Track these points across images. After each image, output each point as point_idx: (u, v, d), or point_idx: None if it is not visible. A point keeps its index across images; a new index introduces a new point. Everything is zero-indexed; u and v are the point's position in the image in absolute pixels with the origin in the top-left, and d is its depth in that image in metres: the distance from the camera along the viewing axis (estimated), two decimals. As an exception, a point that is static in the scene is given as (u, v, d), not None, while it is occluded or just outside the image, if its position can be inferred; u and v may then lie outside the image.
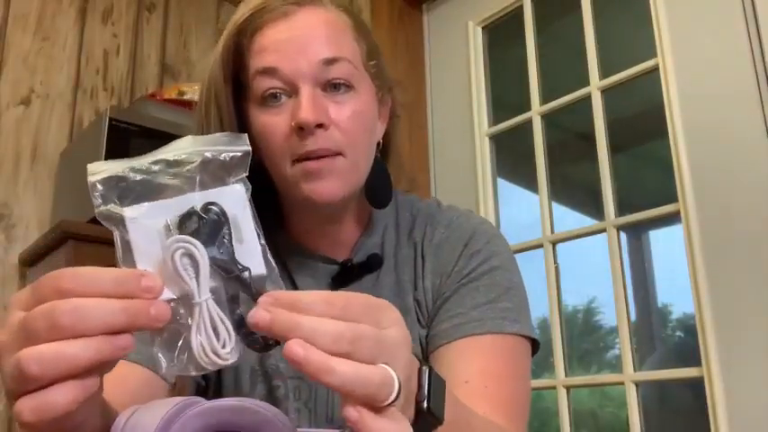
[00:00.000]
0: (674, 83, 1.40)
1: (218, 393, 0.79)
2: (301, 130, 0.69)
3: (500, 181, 1.78)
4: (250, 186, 0.47)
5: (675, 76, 1.40)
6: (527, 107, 1.70)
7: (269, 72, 0.72)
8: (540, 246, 1.59)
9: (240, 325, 0.44)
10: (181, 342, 0.44)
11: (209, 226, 0.44)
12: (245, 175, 0.47)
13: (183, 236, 0.43)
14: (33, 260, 1.67)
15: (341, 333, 0.40)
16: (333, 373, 0.39)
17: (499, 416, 0.67)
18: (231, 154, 0.47)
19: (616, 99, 1.57)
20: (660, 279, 1.99)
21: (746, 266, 1.23)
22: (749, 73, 1.28)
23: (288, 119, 0.71)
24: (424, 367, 0.48)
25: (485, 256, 0.78)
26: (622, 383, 1.38)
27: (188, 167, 0.46)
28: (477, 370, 0.69)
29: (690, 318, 1.33)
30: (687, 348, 1.42)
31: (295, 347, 0.39)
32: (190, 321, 0.43)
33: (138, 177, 0.45)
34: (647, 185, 1.97)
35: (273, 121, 0.72)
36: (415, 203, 0.85)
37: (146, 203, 0.45)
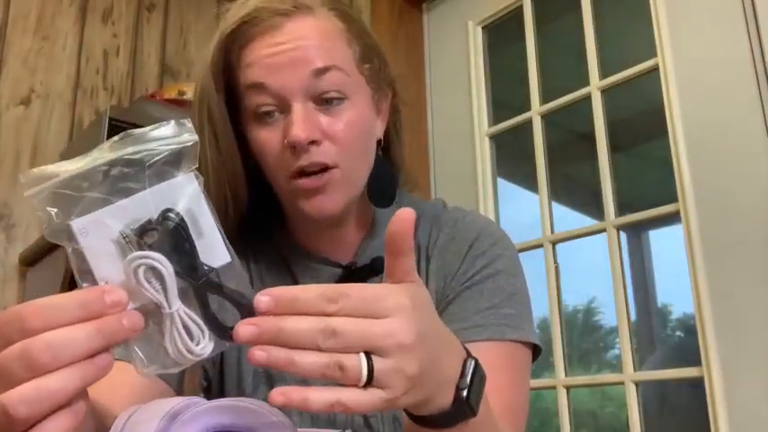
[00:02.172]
0: (674, 83, 1.40)
1: (221, 395, 0.78)
2: (294, 147, 0.69)
3: (500, 181, 1.78)
4: (202, 178, 0.45)
5: (675, 75, 1.40)
6: (527, 107, 1.70)
7: (258, 87, 0.71)
8: (540, 246, 1.59)
9: (212, 319, 0.45)
10: (155, 343, 0.44)
11: (168, 235, 0.43)
12: (194, 166, 0.45)
13: (144, 252, 0.42)
14: (33, 260, 1.67)
15: (319, 330, 0.42)
16: (295, 364, 0.41)
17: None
18: (179, 146, 0.44)
19: (616, 99, 1.57)
20: (660, 279, 1.99)
21: (746, 266, 1.23)
22: (749, 73, 1.28)
23: (281, 136, 0.70)
24: (470, 359, 0.50)
25: (489, 259, 0.77)
26: (622, 383, 1.38)
27: (135, 166, 0.43)
28: None
29: (690, 318, 1.33)
30: (687, 348, 1.42)
31: (257, 353, 0.41)
32: (162, 326, 0.43)
33: (82, 183, 0.42)
34: (647, 185, 1.96)
35: (267, 138, 0.72)
36: (420, 204, 0.83)
37: (96, 211, 0.42)
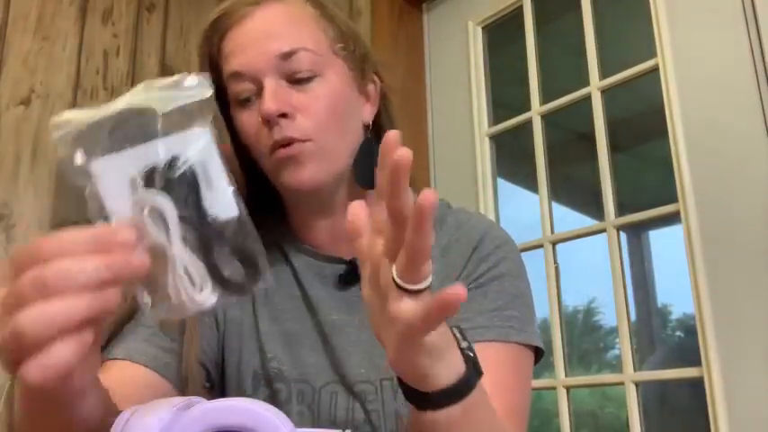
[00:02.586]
0: (674, 83, 1.40)
1: (222, 394, 0.79)
2: (268, 122, 0.72)
3: (500, 181, 1.78)
4: (215, 131, 0.47)
5: (675, 76, 1.40)
6: (527, 107, 1.70)
7: (236, 76, 0.74)
8: (540, 246, 1.59)
9: (216, 271, 0.45)
10: (160, 290, 0.45)
11: (177, 178, 0.45)
12: (209, 119, 0.47)
13: (151, 193, 0.44)
14: (33, 260, 1.67)
15: None
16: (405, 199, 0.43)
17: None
18: (195, 99, 0.46)
19: (616, 99, 1.57)
20: (660, 279, 1.99)
21: (746, 266, 1.23)
22: (749, 73, 1.28)
23: (257, 114, 0.73)
24: (453, 327, 0.53)
25: (494, 262, 0.77)
26: (622, 383, 1.38)
27: (152, 115, 0.45)
28: None
29: (690, 318, 1.33)
30: (687, 348, 1.42)
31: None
32: (167, 270, 0.44)
33: (103, 129, 0.45)
34: (647, 185, 1.96)
35: (247, 119, 0.75)
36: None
37: (112, 155, 0.45)
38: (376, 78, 0.83)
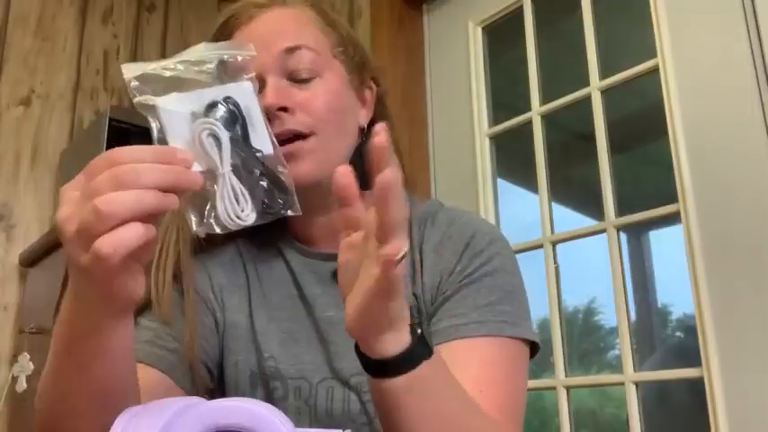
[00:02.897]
0: (674, 83, 1.40)
1: (221, 395, 0.79)
2: (268, 116, 0.72)
3: (500, 181, 1.78)
4: (257, 84, 0.57)
5: (675, 76, 1.40)
6: (527, 107, 1.70)
7: None
8: (540, 246, 1.59)
9: (256, 193, 0.55)
10: (208, 207, 0.54)
11: (228, 113, 0.54)
12: (253, 74, 0.57)
13: (209, 119, 0.53)
14: (33, 260, 1.67)
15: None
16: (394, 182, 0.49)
17: (494, 418, 0.67)
18: (241, 57, 0.57)
19: (616, 99, 1.57)
20: (660, 279, 1.99)
21: (746, 266, 1.23)
22: (749, 73, 1.28)
23: None
24: (411, 304, 0.58)
25: (487, 257, 0.78)
26: (622, 383, 1.38)
27: (207, 66, 0.56)
28: (473, 373, 0.69)
29: (690, 318, 1.33)
30: (687, 348, 1.42)
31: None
32: (215, 188, 0.53)
33: (167, 74, 0.55)
34: (647, 185, 1.97)
35: None
36: (415, 203, 0.85)
37: (174, 94, 0.54)
38: (372, 84, 0.86)
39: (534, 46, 1.72)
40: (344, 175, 0.53)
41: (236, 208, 0.53)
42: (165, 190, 0.49)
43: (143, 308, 0.76)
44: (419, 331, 0.56)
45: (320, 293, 0.80)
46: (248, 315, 0.81)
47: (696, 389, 1.26)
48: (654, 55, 1.45)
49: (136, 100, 0.53)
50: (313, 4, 0.84)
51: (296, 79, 0.77)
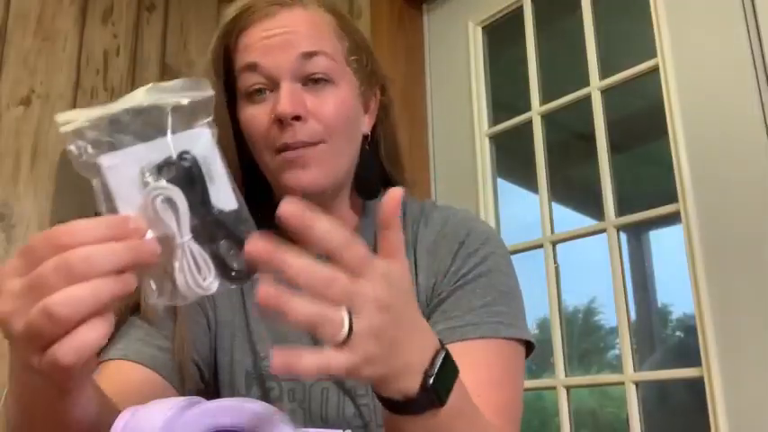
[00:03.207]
0: (674, 83, 1.40)
1: (216, 395, 0.79)
2: (280, 122, 0.73)
3: (500, 181, 1.78)
4: (216, 129, 0.50)
5: (675, 75, 1.40)
6: (527, 107, 1.70)
7: (251, 68, 0.76)
8: (540, 246, 1.59)
9: (218, 258, 0.49)
10: (166, 277, 0.48)
11: (184, 172, 0.48)
12: (210, 118, 0.50)
13: (162, 182, 0.47)
14: (33, 260, 1.67)
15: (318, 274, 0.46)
16: (291, 308, 0.44)
17: (492, 421, 0.67)
18: (196, 99, 0.49)
19: (616, 99, 1.57)
20: (660, 279, 2.00)
21: (746, 266, 1.23)
22: (749, 73, 1.28)
23: (269, 111, 0.75)
24: (442, 350, 0.53)
25: (481, 257, 0.78)
26: (622, 383, 1.38)
27: (157, 114, 0.48)
28: (471, 376, 0.69)
29: (690, 318, 1.33)
30: (687, 348, 1.42)
31: (264, 288, 0.44)
32: (173, 258, 0.47)
33: (110, 126, 0.48)
34: (647, 185, 1.97)
35: (256, 113, 0.76)
36: (408, 202, 0.86)
37: (120, 151, 0.47)
38: (378, 92, 0.86)
39: (534, 46, 1.72)
40: (395, 199, 0.51)
41: (198, 278, 0.47)
42: (122, 270, 0.44)
43: (136, 307, 0.75)
44: (431, 380, 0.52)
45: None
46: (243, 314, 0.80)
47: (696, 389, 1.26)
48: (654, 55, 1.45)
49: (76, 161, 0.47)
50: (332, 8, 0.83)
51: (309, 83, 0.76)
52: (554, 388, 1.50)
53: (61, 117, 0.48)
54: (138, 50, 1.92)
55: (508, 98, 1.86)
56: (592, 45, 1.58)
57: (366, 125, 0.83)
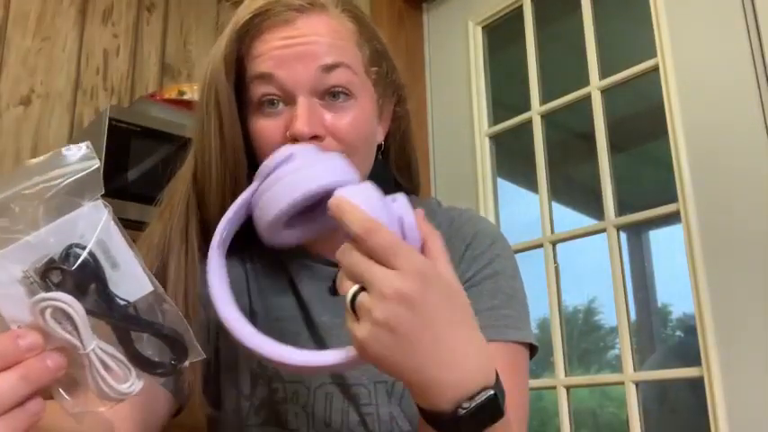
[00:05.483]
0: (674, 83, 1.40)
1: (217, 397, 0.78)
2: (296, 140, 0.68)
3: (500, 181, 1.78)
4: (110, 206, 0.43)
5: (675, 76, 1.40)
6: (527, 107, 1.70)
7: (265, 78, 0.70)
8: (540, 246, 1.59)
9: (137, 355, 0.43)
10: (79, 385, 0.42)
11: (74, 272, 0.40)
12: (100, 193, 0.42)
13: (48, 294, 0.39)
14: (33, 260, 1.67)
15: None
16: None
17: None
18: (81, 173, 0.41)
19: (616, 99, 1.57)
20: (660, 279, 1.99)
21: (746, 266, 1.23)
22: (749, 73, 1.28)
23: (283, 126, 0.70)
24: (490, 389, 0.51)
25: (488, 260, 0.77)
26: (622, 383, 1.38)
27: (34, 200, 0.40)
28: None
29: (690, 318, 1.33)
30: (687, 348, 1.42)
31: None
32: (82, 367, 0.41)
33: None
34: (647, 185, 1.96)
35: (269, 126, 0.71)
36: (414, 202, 0.84)
37: None
38: (394, 100, 0.82)
39: (534, 45, 1.72)
40: (421, 215, 0.56)
41: (112, 382, 0.41)
42: (25, 399, 0.39)
43: None
44: (460, 412, 0.50)
45: (319, 299, 0.78)
46: (248, 315, 0.80)
47: (696, 388, 1.26)
48: (654, 55, 1.45)
49: None
50: (350, 11, 0.76)
51: (328, 97, 0.71)
52: (554, 388, 1.50)
53: None
54: (138, 50, 1.92)
55: (508, 98, 1.86)
56: (592, 45, 1.58)
57: (380, 134, 0.80)
